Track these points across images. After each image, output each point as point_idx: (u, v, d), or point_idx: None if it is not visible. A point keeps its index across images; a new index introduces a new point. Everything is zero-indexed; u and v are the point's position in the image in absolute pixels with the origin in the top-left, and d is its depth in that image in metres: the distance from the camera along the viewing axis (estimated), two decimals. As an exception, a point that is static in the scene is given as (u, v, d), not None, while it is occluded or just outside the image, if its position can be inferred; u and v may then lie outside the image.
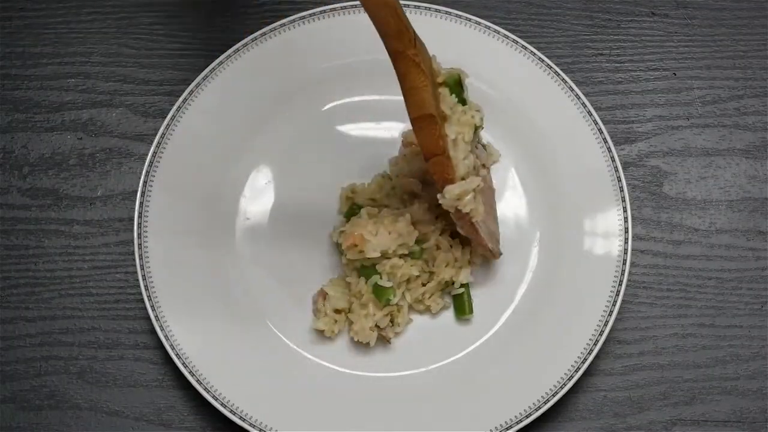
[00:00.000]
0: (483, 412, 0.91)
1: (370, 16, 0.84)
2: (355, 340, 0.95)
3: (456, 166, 0.88)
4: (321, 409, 0.92)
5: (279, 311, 0.98)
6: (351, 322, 0.95)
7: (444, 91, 0.90)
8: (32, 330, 0.99)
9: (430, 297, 0.97)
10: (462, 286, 0.97)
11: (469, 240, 0.97)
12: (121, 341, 0.99)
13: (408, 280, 0.96)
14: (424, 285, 0.97)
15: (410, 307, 0.97)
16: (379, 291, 0.94)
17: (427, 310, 0.97)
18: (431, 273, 0.97)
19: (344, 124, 1.06)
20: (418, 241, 0.96)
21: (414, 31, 0.86)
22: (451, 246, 0.97)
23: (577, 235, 0.98)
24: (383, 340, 0.96)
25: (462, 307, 0.97)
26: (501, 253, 0.97)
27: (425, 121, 0.86)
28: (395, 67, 0.86)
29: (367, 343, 0.95)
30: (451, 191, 0.89)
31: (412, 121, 0.87)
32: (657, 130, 1.09)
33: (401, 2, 1.06)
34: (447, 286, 0.97)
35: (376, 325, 0.94)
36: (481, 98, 1.05)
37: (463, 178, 0.89)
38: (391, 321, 0.95)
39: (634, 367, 0.98)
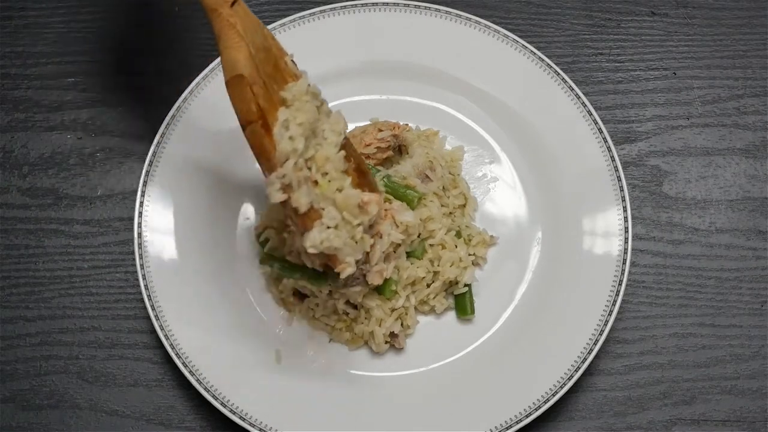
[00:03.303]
0: (483, 412, 0.91)
1: None
2: (374, 350, 0.95)
3: (277, 143, 0.81)
4: (321, 409, 0.92)
5: (279, 310, 0.98)
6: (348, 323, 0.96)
7: (300, 83, 0.85)
8: (32, 329, 0.99)
9: (434, 297, 0.97)
10: (465, 285, 0.97)
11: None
12: (121, 341, 0.99)
13: (413, 282, 0.96)
14: (428, 286, 0.97)
15: (415, 309, 0.97)
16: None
17: (432, 310, 0.97)
18: (435, 273, 0.97)
19: (344, 123, 1.06)
20: (422, 239, 0.97)
21: None
22: (456, 246, 0.97)
23: (577, 234, 0.98)
24: (396, 348, 0.96)
25: (464, 307, 0.97)
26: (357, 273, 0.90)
27: (237, 83, 0.81)
28: (212, 26, 0.82)
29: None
30: (271, 182, 0.81)
31: (226, 84, 0.82)
32: (657, 129, 1.09)
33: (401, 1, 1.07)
34: (450, 285, 0.97)
35: (391, 333, 0.94)
36: (481, 98, 1.06)
37: (287, 158, 0.81)
38: (401, 324, 0.96)
39: (634, 367, 0.98)
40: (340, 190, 0.85)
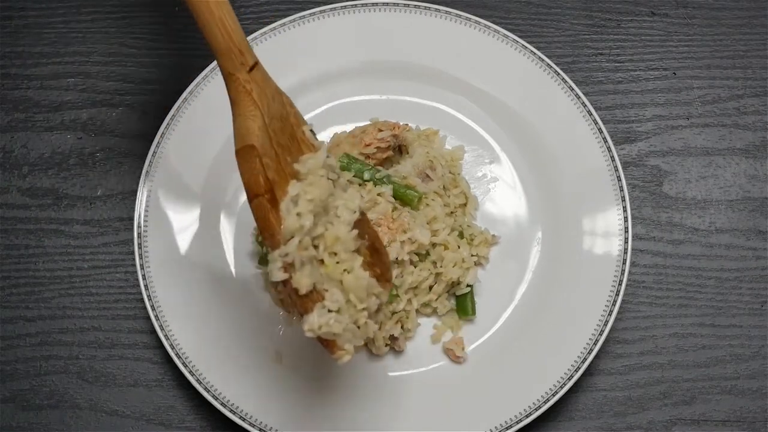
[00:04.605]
0: (483, 412, 0.91)
1: (199, 27, 0.78)
2: (374, 353, 0.95)
3: (283, 219, 0.76)
4: (321, 409, 0.92)
5: (279, 311, 0.98)
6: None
7: (317, 156, 0.80)
8: (32, 329, 0.99)
9: (437, 299, 0.97)
10: (467, 286, 0.97)
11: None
12: (121, 341, 0.99)
13: (416, 286, 0.96)
14: (430, 288, 0.96)
15: (417, 311, 0.97)
16: None
17: (434, 312, 0.97)
18: (437, 274, 0.96)
19: (344, 123, 1.05)
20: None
21: (255, 59, 0.78)
22: (458, 246, 0.97)
23: (577, 235, 0.98)
24: (395, 351, 0.96)
25: (465, 308, 0.96)
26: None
27: (247, 153, 0.77)
28: (228, 90, 0.78)
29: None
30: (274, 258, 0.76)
31: (236, 153, 0.78)
32: (657, 129, 1.09)
33: (398, 2, 1.07)
34: (452, 286, 0.97)
35: (390, 336, 0.94)
36: (481, 98, 1.06)
37: (292, 236, 0.76)
38: (401, 327, 0.95)
39: (634, 367, 0.98)
40: (348, 271, 0.80)
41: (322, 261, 0.79)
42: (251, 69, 0.78)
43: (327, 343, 0.80)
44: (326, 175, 0.80)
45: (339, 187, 0.82)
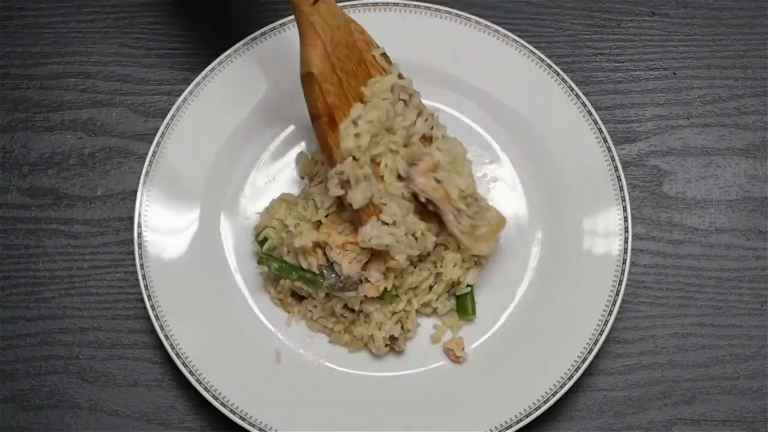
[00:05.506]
0: (483, 411, 0.91)
1: None
2: (374, 353, 0.95)
3: (342, 139, 0.87)
4: (321, 409, 0.92)
5: (279, 311, 0.98)
6: (347, 325, 0.96)
7: (383, 80, 0.90)
8: (32, 329, 0.99)
9: (437, 299, 0.97)
10: (467, 286, 0.96)
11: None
12: (121, 341, 0.99)
13: (415, 287, 0.96)
14: (430, 288, 0.96)
15: (417, 311, 0.97)
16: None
17: (434, 312, 0.97)
18: (437, 274, 0.96)
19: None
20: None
21: None
22: (459, 246, 0.97)
23: (577, 234, 0.98)
24: (395, 351, 0.96)
25: (465, 308, 0.96)
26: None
27: (308, 79, 0.87)
28: (296, 20, 0.87)
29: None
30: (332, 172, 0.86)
31: (300, 79, 0.88)
32: (657, 129, 1.09)
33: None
34: (452, 286, 0.97)
35: (390, 336, 0.94)
36: (480, 98, 1.05)
37: (353, 157, 0.86)
38: (401, 327, 0.95)
39: (634, 367, 0.98)
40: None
41: (383, 177, 0.89)
42: (315, 1, 0.86)
43: (380, 253, 0.89)
44: (394, 98, 0.89)
45: (412, 106, 0.91)
